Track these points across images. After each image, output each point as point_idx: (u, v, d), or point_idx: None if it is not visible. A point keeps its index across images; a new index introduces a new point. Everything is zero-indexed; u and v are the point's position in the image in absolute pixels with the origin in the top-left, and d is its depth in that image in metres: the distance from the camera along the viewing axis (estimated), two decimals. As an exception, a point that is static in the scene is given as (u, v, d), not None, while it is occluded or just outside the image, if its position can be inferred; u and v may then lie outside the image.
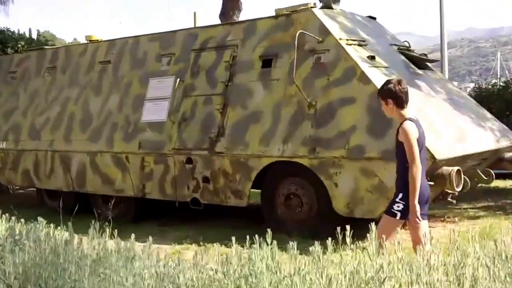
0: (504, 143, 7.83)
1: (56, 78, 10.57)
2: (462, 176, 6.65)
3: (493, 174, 7.66)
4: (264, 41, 8.06)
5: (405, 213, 4.68)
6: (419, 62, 8.58)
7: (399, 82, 4.74)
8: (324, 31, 7.53)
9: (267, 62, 7.93)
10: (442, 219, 8.38)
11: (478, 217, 8.46)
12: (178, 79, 8.70)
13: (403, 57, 8.24)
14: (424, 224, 4.72)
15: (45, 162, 10.23)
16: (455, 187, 6.56)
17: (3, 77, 11.58)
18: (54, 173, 10.12)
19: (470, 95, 13.00)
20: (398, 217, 4.72)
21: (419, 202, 4.61)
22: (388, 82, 4.82)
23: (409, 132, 4.58)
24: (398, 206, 4.71)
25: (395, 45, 8.46)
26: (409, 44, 8.97)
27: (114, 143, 9.20)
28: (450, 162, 6.68)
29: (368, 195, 6.81)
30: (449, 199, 7.42)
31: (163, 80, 8.93)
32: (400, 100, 4.70)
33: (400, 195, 4.73)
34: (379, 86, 6.82)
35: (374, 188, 6.75)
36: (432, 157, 6.31)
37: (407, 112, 4.75)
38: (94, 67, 10.03)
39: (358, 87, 7.06)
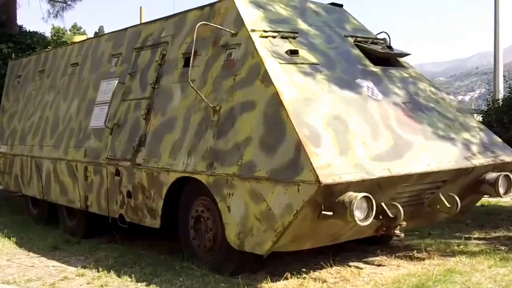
0: (478, 161, 5.78)
1: (43, 82, 9.98)
2: (373, 204, 4.87)
3: (458, 201, 5.68)
4: (189, 37, 6.70)
5: None
6: (390, 57, 6.73)
7: None
8: (239, 22, 6.03)
9: (188, 61, 6.56)
10: (411, 253, 6.46)
11: (463, 253, 6.45)
12: (117, 82, 7.61)
13: (357, 51, 6.45)
14: None
15: (27, 167, 9.67)
16: (357, 220, 4.80)
17: (12, 81, 11.25)
18: (32, 179, 9.51)
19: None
20: None
21: None
22: None
23: None
24: None
25: (353, 36, 6.66)
26: (388, 36, 7.05)
27: (69, 150, 8.34)
28: (362, 185, 4.91)
29: (257, 224, 5.23)
30: (396, 232, 5.62)
31: (109, 82, 7.90)
32: None
33: None
34: (281, 88, 5.32)
35: (263, 216, 5.16)
36: (317, 180, 4.60)
37: None
38: (67, 70, 9.26)
39: (259, 89, 5.50)
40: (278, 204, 4.98)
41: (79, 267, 6.52)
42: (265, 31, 5.93)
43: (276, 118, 5.19)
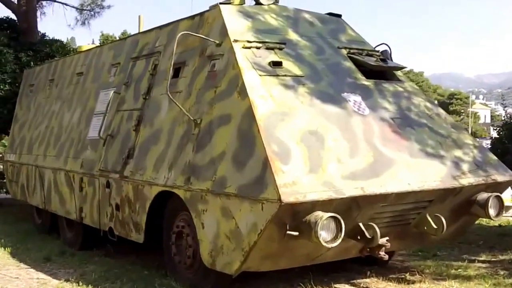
0: (467, 180, 5.64)
1: (52, 91, 10.27)
2: (342, 225, 4.82)
3: (444, 222, 5.55)
4: (179, 47, 6.78)
5: None
6: (386, 70, 6.67)
7: None
8: (224, 32, 6.09)
9: (177, 71, 6.67)
10: (404, 275, 6.36)
11: (458, 277, 6.31)
12: (112, 92, 7.77)
13: (349, 64, 6.41)
14: None
15: (32, 177, 9.96)
16: (322, 241, 4.76)
17: (26, 90, 11.62)
18: (35, 189, 9.79)
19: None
20: None
21: None
22: None
23: None
24: None
25: (347, 48, 6.62)
26: (389, 49, 6.96)
27: (68, 161, 8.55)
28: (331, 205, 4.87)
29: (227, 242, 5.24)
30: (380, 253, 5.54)
31: (107, 92, 8.06)
32: None
33: None
34: (256, 101, 5.35)
35: (232, 235, 5.18)
36: (279, 198, 4.59)
37: None
38: (73, 80, 9.52)
39: (236, 102, 5.53)
40: (245, 222, 4.99)
41: (62, 280, 6.66)
42: (248, 42, 5.96)
43: (248, 133, 5.21)
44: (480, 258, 7.22)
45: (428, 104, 6.43)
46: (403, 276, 6.31)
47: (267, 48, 6.02)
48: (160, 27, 7.49)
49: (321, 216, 4.74)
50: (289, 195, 4.63)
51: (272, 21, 6.50)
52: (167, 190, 6.10)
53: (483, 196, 5.74)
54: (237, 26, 6.14)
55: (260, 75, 5.64)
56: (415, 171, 5.44)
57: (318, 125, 5.41)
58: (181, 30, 6.92)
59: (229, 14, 6.26)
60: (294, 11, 6.88)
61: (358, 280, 6.22)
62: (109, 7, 17.50)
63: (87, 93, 8.78)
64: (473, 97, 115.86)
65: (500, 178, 5.84)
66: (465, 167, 5.75)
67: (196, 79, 6.25)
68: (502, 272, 6.36)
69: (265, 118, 5.21)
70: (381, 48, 7.02)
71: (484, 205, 5.68)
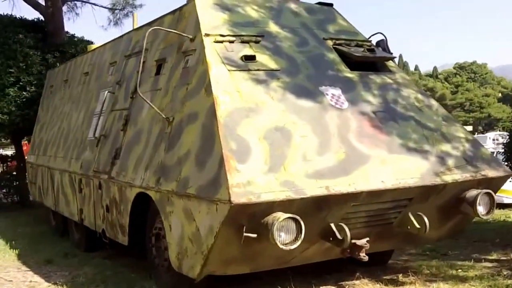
0: (452, 177, 5.34)
1: (65, 92, 10.46)
2: (302, 226, 4.65)
3: (426, 221, 5.26)
4: (162, 42, 6.77)
5: None
6: (377, 61, 6.41)
7: None
8: (197, 26, 5.99)
9: (159, 68, 6.64)
10: (395, 277, 6.12)
11: (455, 278, 6.04)
12: (107, 92, 7.82)
13: (333, 55, 6.19)
14: None
15: (46, 178, 10.19)
16: (279, 243, 4.62)
17: (47, 91, 11.90)
18: (48, 190, 10.01)
19: None
20: None
21: None
22: None
23: None
24: None
25: (333, 39, 6.39)
26: (385, 38, 6.68)
27: (72, 162, 8.67)
28: (292, 205, 4.71)
29: (190, 245, 5.17)
30: (360, 254, 5.35)
31: (104, 92, 8.11)
32: None
33: None
34: (220, 97, 5.26)
35: (194, 237, 5.09)
36: (229, 199, 4.46)
37: None
38: (81, 80, 9.65)
39: (203, 99, 5.43)
40: (204, 224, 4.89)
41: (51, 283, 6.76)
42: (221, 36, 5.84)
43: (210, 131, 5.10)
44: (490, 257, 6.90)
45: (419, 96, 6.12)
46: (395, 278, 6.08)
47: (242, 42, 5.88)
48: (149, 23, 7.46)
49: (279, 217, 4.58)
50: (240, 196, 4.49)
51: (252, 13, 6.35)
52: (143, 192, 6.07)
53: (472, 193, 5.42)
54: (210, 20, 6.03)
55: (229, 70, 5.51)
56: (392, 168, 5.19)
57: (286, 121, 5.24)
58: (165, 25, 6.88)
59: (203, 8, 6.15)
60: (279, 2, 6.69)
61: (347, 282, 6.02)
62: (141, 6, 17.71)
63: (91, 93, 8.88)
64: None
65: (491, 173, 5.49)
66: (451, 162, 5.44)
67: (173, 76, 6.19)
68: (505, 273, 6.03)
69: (227, 114, 5.08)
70: (377, 38, 6.76)
71: (473, 202, 5.35)
